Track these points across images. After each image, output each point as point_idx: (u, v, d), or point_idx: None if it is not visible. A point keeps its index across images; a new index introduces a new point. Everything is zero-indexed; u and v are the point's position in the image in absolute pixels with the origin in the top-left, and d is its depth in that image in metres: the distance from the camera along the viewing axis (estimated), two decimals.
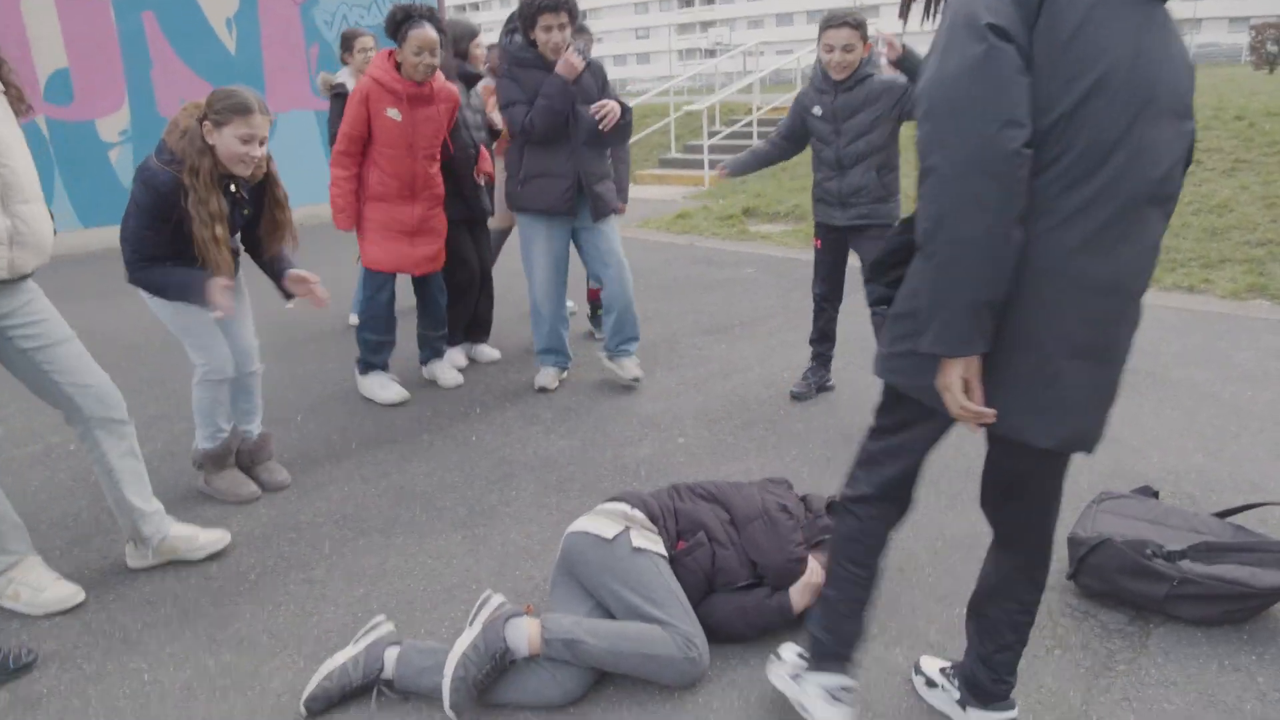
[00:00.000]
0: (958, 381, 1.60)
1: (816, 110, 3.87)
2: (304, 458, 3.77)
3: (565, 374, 4.66)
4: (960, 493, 3.29)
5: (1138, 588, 2.52)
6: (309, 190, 6.64)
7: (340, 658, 2.23)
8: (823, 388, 4.39)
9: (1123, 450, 3.51)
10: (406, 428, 4.09)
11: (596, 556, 2.37)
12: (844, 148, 3.84)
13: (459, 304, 4.80)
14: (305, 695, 2.16)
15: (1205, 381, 4.27)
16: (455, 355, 4.91)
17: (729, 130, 12.66)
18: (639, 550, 2.36)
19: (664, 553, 2.42)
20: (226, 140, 2.90)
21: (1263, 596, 2.42)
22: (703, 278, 7.06)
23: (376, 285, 4.29)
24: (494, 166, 4.71)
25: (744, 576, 2.43)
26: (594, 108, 3.98)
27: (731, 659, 2.37)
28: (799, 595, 2.39)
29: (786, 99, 13.36)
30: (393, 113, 3.98)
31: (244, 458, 3.46)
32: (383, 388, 4.43)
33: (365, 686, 2.21)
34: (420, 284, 4.50)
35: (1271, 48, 18.04)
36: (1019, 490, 1.89)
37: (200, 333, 3.14)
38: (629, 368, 4.48)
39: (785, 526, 2.46)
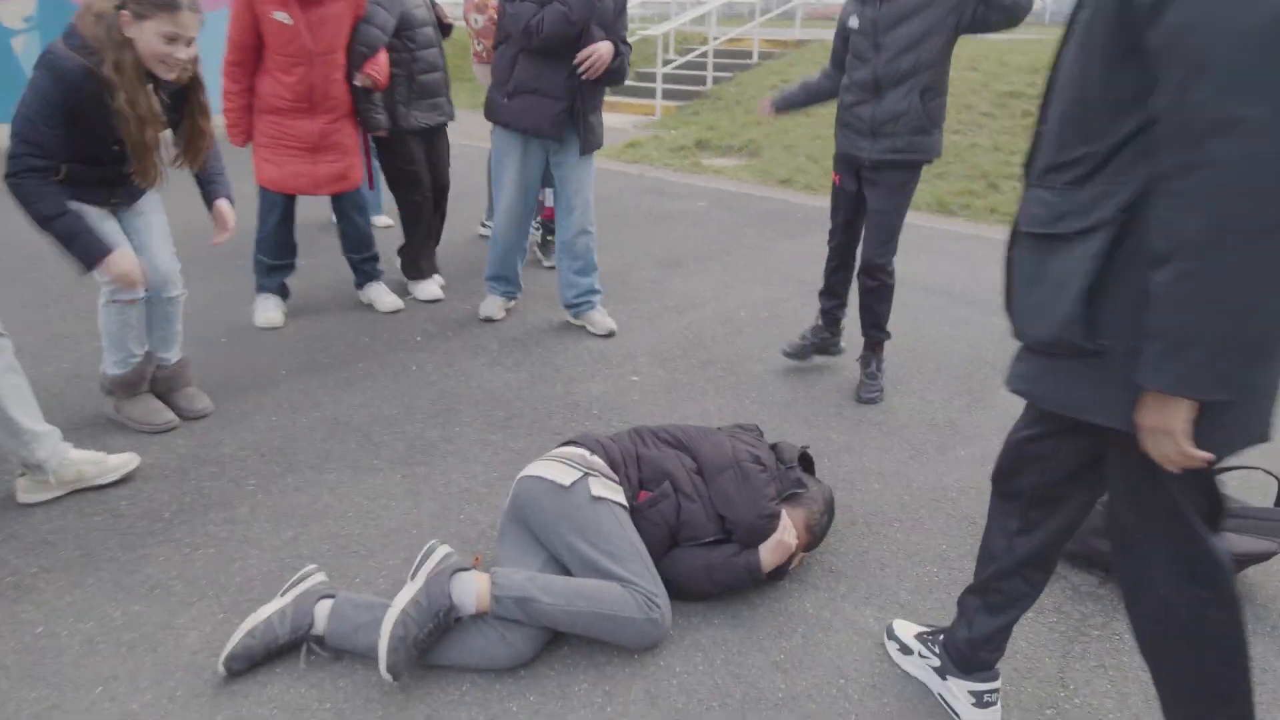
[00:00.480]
0: (1184, 426, 1.28)
1: (853, 22, 3.26)
2: (227, 384, 3.46)
3: (513, 304, 4.40)
4: (925, 444, 3.17)
5: (1108, 548, 2.43)
6: None
7: (266, 611, 2.01)
8: (825, 350, 3.80)
9: None
10: (341, 354, 3.80)
11: (552, 505, 2.17)
12: (883, 66, 3.17)
13: (416, 229, 4.46)
14: (225, 653, 1.93)
15: None
16: (430, 287, 4.53)
17: (683, 60, 12.20)
18: (598, 500, 2.17)
19: (625, 503, 2.23)
20: (148, 37, 2.54)
21: (1235, 562, 2.35)
22: (654, 209, 6.79)
23: (269, 206, 3.95)
24: (387, 74, 4.04)
25: (711, 531, 2.26)
26: (580, 55, 3.60)
27: (694, 618, 2.21)
28: (769, 553, 2.23)
29: (743, 30, 12.97)
30: (281, 15, 3.57)
31: (160, 384, 3.15)
32: (262, 310, 4.10)
33: (293, 643, 2.00)
34: (337, 204, 4.13)
35: None
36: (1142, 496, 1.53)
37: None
38: (601, 321, 4.16)
39: (758, 479, 2.29)
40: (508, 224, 4.06)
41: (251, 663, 1.96)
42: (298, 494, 2.71)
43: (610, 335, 4.12)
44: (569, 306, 4.21)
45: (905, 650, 2.08)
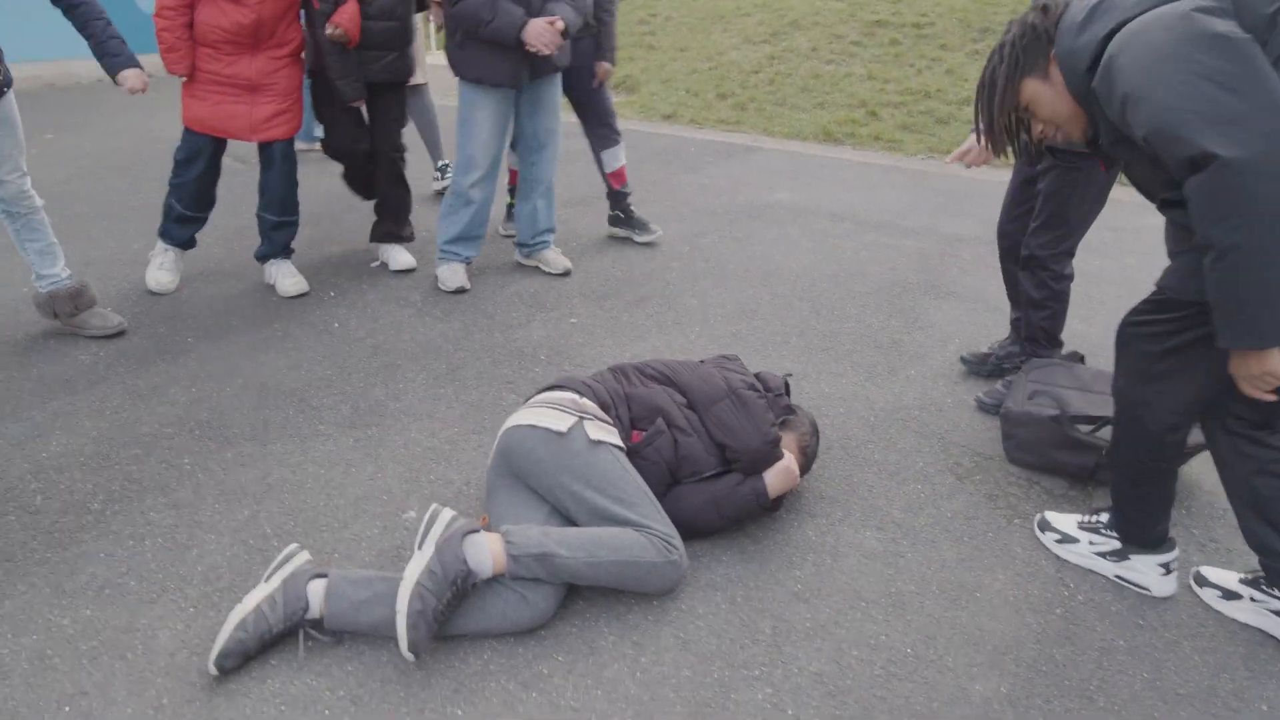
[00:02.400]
0: (1253, 369, 1.65)
1: None
2: (126, 356, 3.09)
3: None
4: (875, 366, 3.20)
5: (1068, 459, 2.52)
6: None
7: (253, 599, 1.80)
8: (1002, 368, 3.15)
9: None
10: (251, 315, 3.47)
11: (550, 454, 2.03)
12: None
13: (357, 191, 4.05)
14: (215, 650, 1.72)
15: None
16: (400, 254, 4.04)
17: None
18: (597, 443, 2.05)
19: (621, 444, 2.12)
20: None
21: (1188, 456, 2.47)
22: (572, 145, 6.54)
23: (194, 150, 3.48)
24: (358, 24, 3.46)
25: (711, 464, 2.19)
26: (539, 47, 3.27)
27: (703, 557, 2.15)
28: (775, 479, 2.18)
29: None
30: None
31: (61, 306, 3.06)
32: (156, 268, 3.68)
33: (288, 631, 1.80)
34: (265, 151, 3.57)
35: None
36: None
37: None
38: (556, 260, 4.00)
39: (756, 405, 2.22)
40: (479, 178, 3.65)
41: (246, 658, 1.76)
42: (243, 469, 2.46)
43: (566, 274, 3.98)
44: (523, 245, 4.02)
45: (1068, 539, 2.19)
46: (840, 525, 2.31)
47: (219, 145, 3.52)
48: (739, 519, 2.19)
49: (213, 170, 3.56)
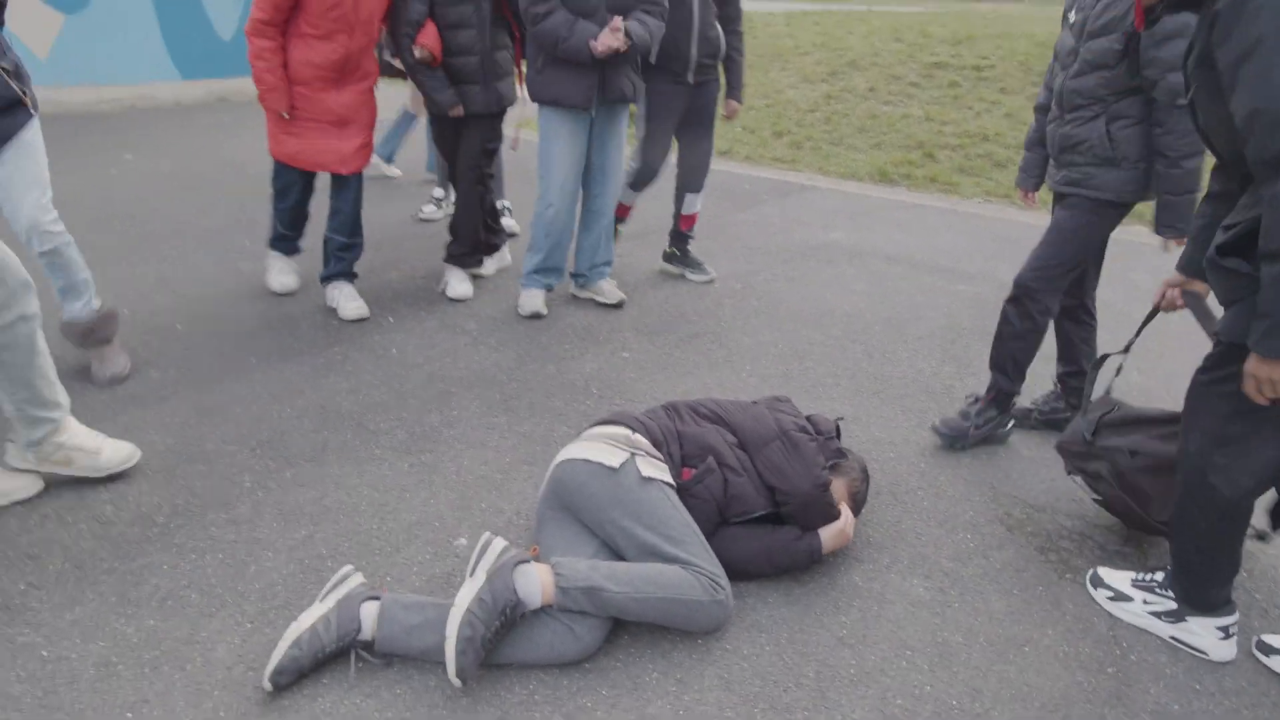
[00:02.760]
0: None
1: (1072, 15, 2.67)
2: (193, 374, 3.21)
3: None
4: (926, 412, 3.18)
5: (1091, 468, 2.44)
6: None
7: (308, 619, 1.85)
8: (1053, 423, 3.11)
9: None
10: (311, 338, 3.57)
11: (602, 488, 2.07)
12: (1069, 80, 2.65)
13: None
14: (270, 667, 1.78)
15: (1116, 302, 4.33)
16: (457, 282, 4.14)
17: None
18: (648, 480, 2.08)
19: (672, 482, 2.15)
20: None
21: None
22: None
23: (287, 183, 3.70)
24: (439, 44, 3.63)
25: (761, 505, 2.20)
26: (604, 45, 3.39)
27: (748, 598, 2.15)
28: (830, 539, 2.20)
29: None
30: None
31: (71, 335, 3.08)
32: (277, 273, 3.96)
33: (340, 651, 1.85)
34: (340, 182, 3.73)
35: None
36: None
37: None
38: (611, 291, 4.08)
39: (808, 448, 2.23)
40: (561, 206, 3.78)
41: (299, 675, 1.81)
42: (300, 489, 2.53)
43: (620, 305, 4.05)
44: (578, 276, 4.11)
45: (1122, 598, 2.16)
46: (888, 572, 2.30)
47: (309, 176, 3.72)
48: (789, 570, 2.20)
49: (306, 196, 3.81)
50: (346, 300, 3.81)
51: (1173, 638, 2.08)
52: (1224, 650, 2.04)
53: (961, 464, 2.86)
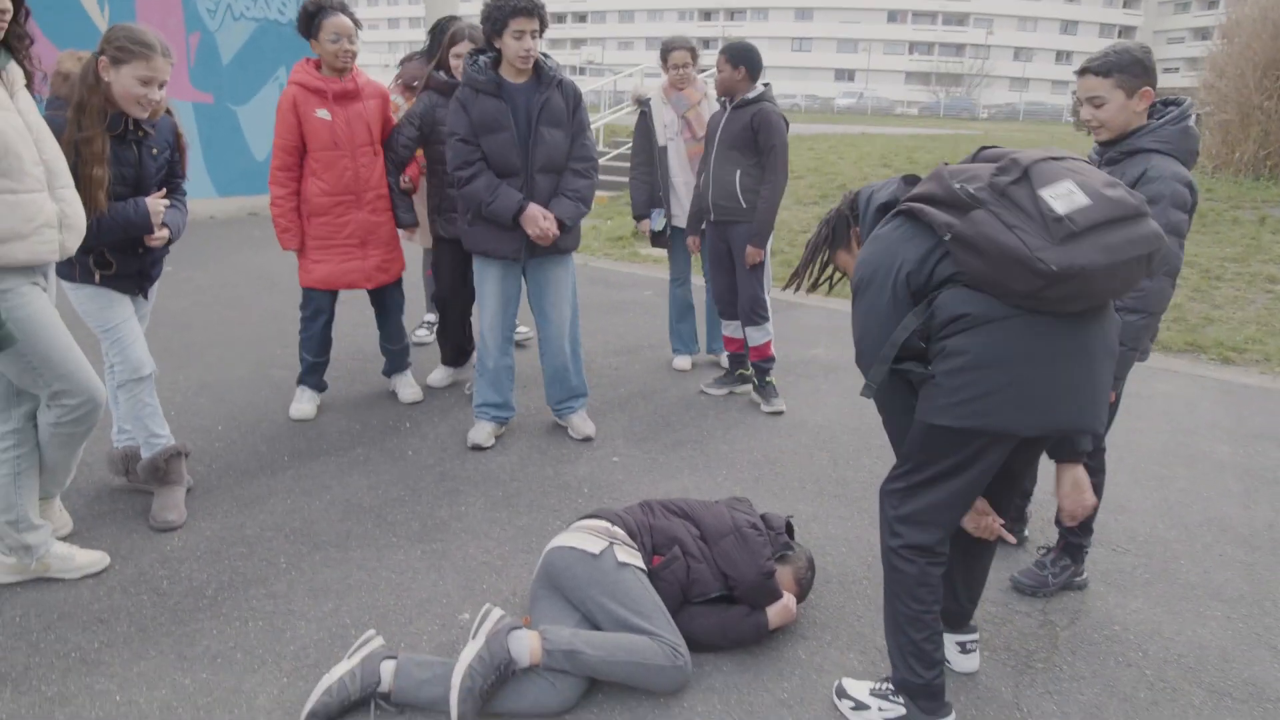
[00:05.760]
0: None
1: None
2: (234, 469, 3.67)
3: (503, 430, 4.23)
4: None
5: None
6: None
7: (337, 672, 2.25)
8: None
9: None
10: (337, 441, 4.04)
11: (584, 571, 2.48)
12: None
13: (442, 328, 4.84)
14: (306, 709, 2.17)
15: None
16: (405, 387, 4.70)
17: (615, 152, 12.91)
18: (624, 565, 2.50)
19: (644, 567, 2.56)
20: (124, 80, 2.86)
21: None
22: (603, 299, 7.22)
23: (316, 309, 4.22)
24: (416, 179, 4.50)
25: (716, 588, 2.61)
26: (533, 234, 3.73)
27: (706, 666, 2.54)
28: (776, 615, 2.61)
29: None
30: (322, 113, 3.93)
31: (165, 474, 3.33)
32: (298, 403, 4.35)
33: (363, 700, 2.24)
34: (379, 298, 4.38)
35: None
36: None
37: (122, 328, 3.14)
38: (580, 426, 4.22)
39: (756, 542, 2.65)
40: (494, 344, 4.00)
41: (329, 718, 2.19)
42: (328, 570, 2.95)
43: (587, 440, 4.20)
44: (553, 406, 4.32)
45: (860, 707, 2.35)
46: (828, 647, 2.68)
47: (333, 299, 4.26)
48: (741, 643, 2.60)
49: (331, 319, 4.30)
50: (405, 387, 4.63)
51: None
52: None
53: None
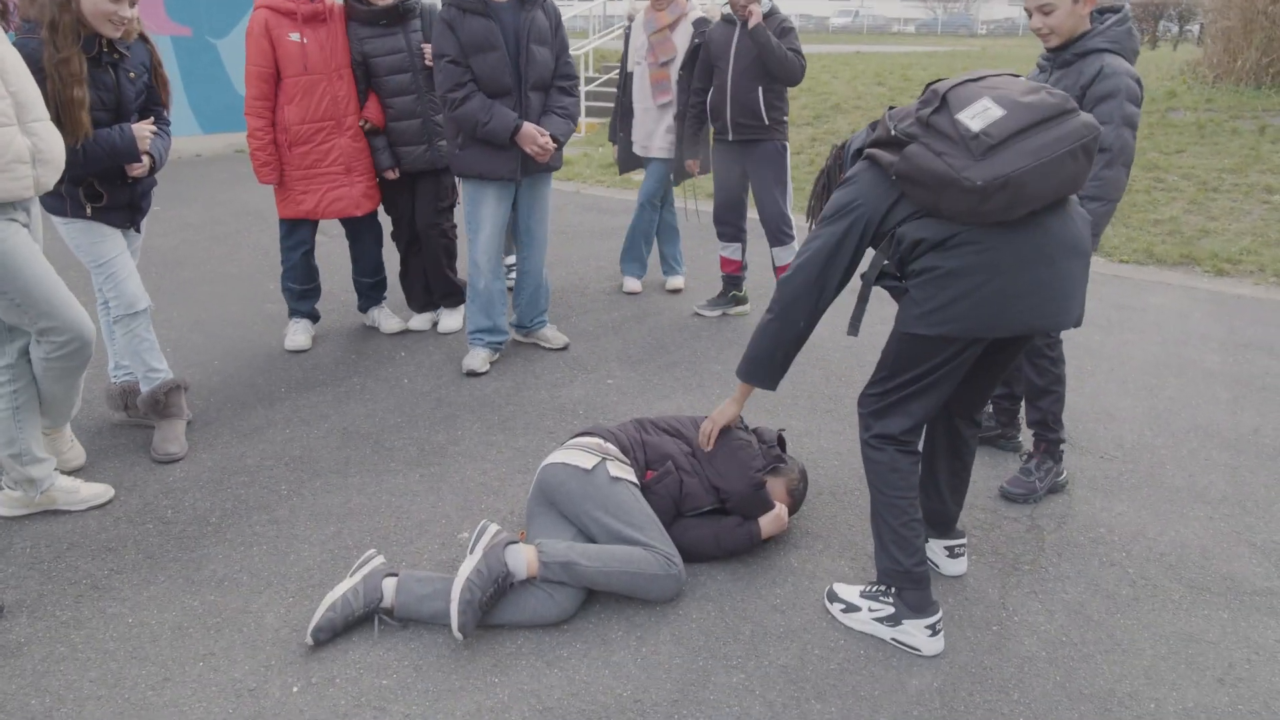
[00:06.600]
0: None
1: None
2: (232, 402, 3.70)
3: (498, 356, 4.25)
4: None
5: None
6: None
7: (340, 589, 2.31)
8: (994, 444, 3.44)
9: None
10: (334, 371, 4.07)
11: (578, 486, 2.53)
12: None
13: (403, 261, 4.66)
14: (312, 625, 2.24)
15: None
16: (387, 318, 4.65)
17: (604, 78, 12.66)
18: (616, 479, 2.54)
19: (636, 481, 2.61)
20: None
21: None
22: (596, 225, 7.19)
23: (297, 240, 4.19)
24: (381, 115, 4.16)
25: (708, 502, 2.66)
26: (531, 150, 3.74)
27: (701, 576, 2.61)
28: (768, 524, 2.66)
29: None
30: (295, 36, 3.86)
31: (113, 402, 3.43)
32: (293, 334, 4.35)
33: (366, 615, 2.31)
34: (353, 227, 4.34)
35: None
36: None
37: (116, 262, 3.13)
38: (554, 336, 4.39)
39: (745, 454, 2.70)
40: (488, 267, 4.00)
41: (334, 633, 2.26)
42: (329, 496, 3.00)
43: (565, 348, 4.38)
44: (520, 327, 4.40)
45: (851, 609, 2.43)
46: (820, 555, 2.75)
47: (313, 230, 4.22)
48: (733, 552, 2.66)
49: (311, 250, 4.27)
50: (385, 319, 4.57)
51: (893, 639, 2.36)
52: (934, 645, 2.33)
53: None
